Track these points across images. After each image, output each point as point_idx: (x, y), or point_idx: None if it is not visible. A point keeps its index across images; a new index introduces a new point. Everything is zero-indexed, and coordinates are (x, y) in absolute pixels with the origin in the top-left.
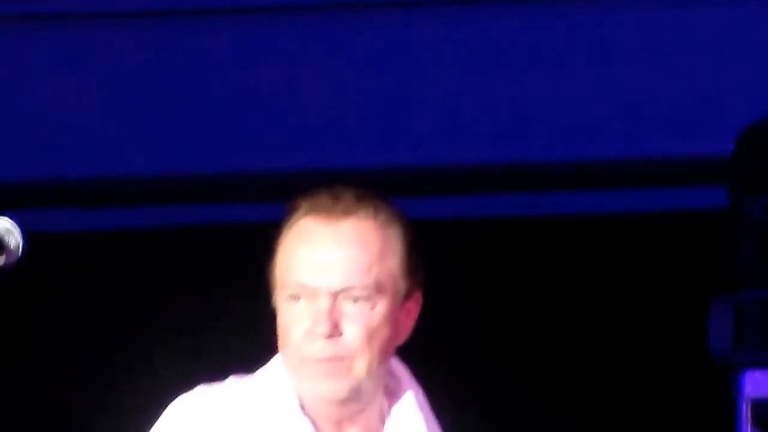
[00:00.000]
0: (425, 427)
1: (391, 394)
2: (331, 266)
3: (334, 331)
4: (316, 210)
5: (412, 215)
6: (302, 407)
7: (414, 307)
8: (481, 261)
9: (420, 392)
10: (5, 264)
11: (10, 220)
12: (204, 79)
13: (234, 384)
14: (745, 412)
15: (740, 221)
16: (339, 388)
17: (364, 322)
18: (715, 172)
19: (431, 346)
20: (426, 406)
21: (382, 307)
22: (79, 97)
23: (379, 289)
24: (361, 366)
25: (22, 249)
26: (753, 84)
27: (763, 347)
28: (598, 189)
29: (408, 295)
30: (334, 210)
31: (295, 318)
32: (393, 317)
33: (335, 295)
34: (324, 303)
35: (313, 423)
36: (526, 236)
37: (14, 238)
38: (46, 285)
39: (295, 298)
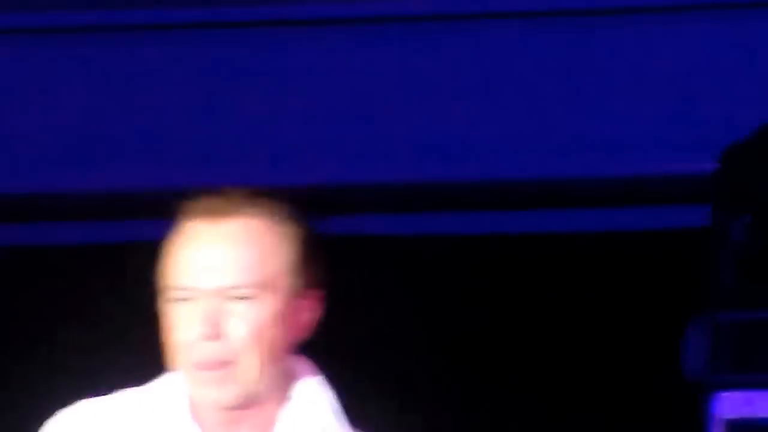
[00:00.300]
0: (322, 425)
1: (288, 394)
2: (215, 265)
3: (216, 333)
4: (202, 211)
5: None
6: (194, 413)
7: (311, 306)
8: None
9: (324, 390)
10: None
11: None
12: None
13: (128, 394)
14: None
15: (720, 241)
16: (226, 392)
17: (250, 321)
18: (696, 191)
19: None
20: (327, 404)
21: (269, 305)
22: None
23: (265, 287)
24: (248, 367)
25: None
26: (734, 102)
27: (737, 369)
28: (578, 207)
29: (301, 294)
30: (219, 210)
31: (180, 321)
32: (283, 316)
33: (219, 295)
34: (208, 304)
35: (203, 427)
36: (509, 254)
37: None
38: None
39: (180, 300)
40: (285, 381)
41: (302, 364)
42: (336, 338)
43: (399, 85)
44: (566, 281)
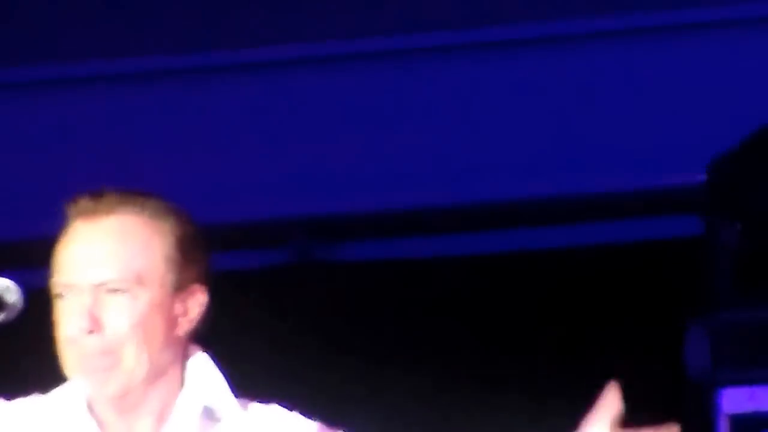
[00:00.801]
0: (217, 408)
1: (183, 381)
2: (91, 261)
3: (96, 326)
4: (79, 211)
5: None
6: (89, 408)
7: (194, 299)
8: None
9: (217, 375)
10: (4, 320)
11: (8, 279)
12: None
13: (31, 399)
14: (725, 428)
15: (715, 247)
16: (111, 383)
17: (127, 314)
18: (689, 201)
19: None
20: (221, 388)
21: (146, 299)
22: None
23: (140, 281)
24: (130, 357)
25: (21, 305)
26: (723, 113)
27: (737, 365)
28: (577, 222)
29: (181, 287)
30: (96, 209)
31: (63, 316)
32: (163, 309)
33: (96, 290)
34: (86, 298)
35: (99, 421)
36: (511, 270)
37: (13, 295)
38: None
39: (62, 296)
40: (178, 369)
41: (196, 352)
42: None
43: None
44: (571, 291)
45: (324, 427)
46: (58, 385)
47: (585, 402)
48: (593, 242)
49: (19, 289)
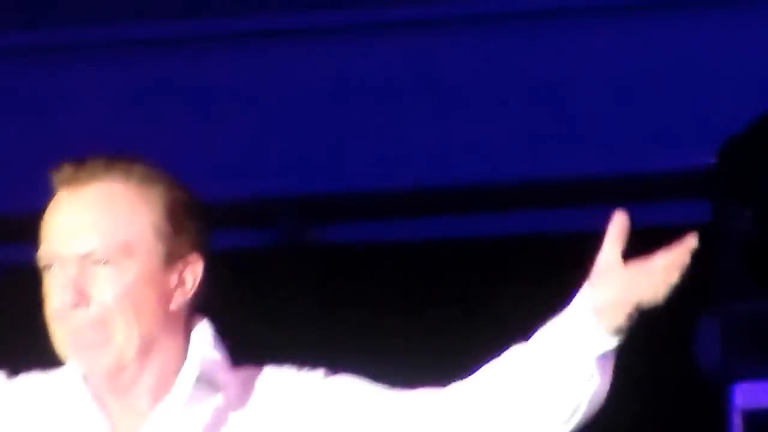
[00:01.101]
0: (218, 380)
1: (184, 353)
2: (75, 232)
3: (81, 299)
4: (63, 180)
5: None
6: (85, 379)
7: (190, 269)
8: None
9: (218, 346)
10: None
11: None
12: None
13: (31, 375)
14: (738, 424)
15: (724, 234)
16: (102, 359)
17: (114, 286)
18: (698, 186)
19: None
20: (221, 360)
21: (134, 270)
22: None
23: (128, 251)
24: (119, 333)
25: None
26: (733, 96)
27: (751, 359)
28: (582, 205)
29: (174, 257)
30: (79, 177)
31: (49, 289)
32: (154, 281)
33: (82, 261)
34: (71, 271)
35: (95, 395)
36: (518, 253)
37: None
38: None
39: (48, 268)
40: (176, 343)
41: (198, 323)
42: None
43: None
44: (573, 277)
45: (328, 372)
46: (49, 365)
47: None
48: (596, 227)
49: None
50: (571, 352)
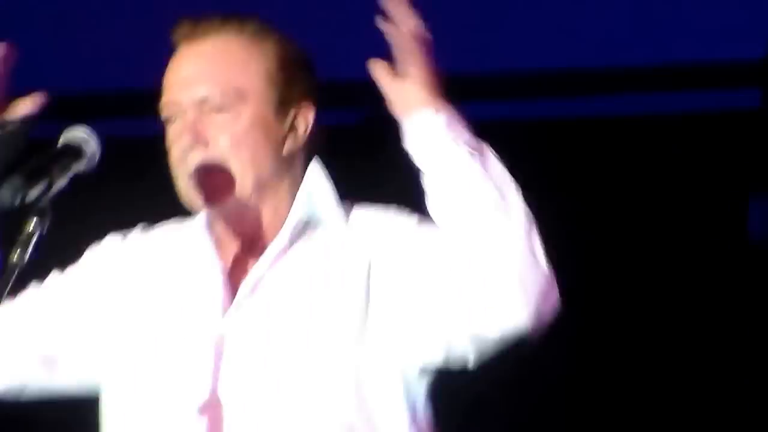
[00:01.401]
0: (310, 220)
1: (287, 201)
2: (192, 80)
3: (200, 139)
4: (181, 35)
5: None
6: (209, 225)
7: (302, 115)
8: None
9: (329, 186)
10: (85, 169)
11: (86, 129)
12: None
13: (165, 225)
14: None
15: None
16: (219, 195)
17: (229, 129)
18: (751, 75)
19: None
20: (331, 198)
21: (248, 115)
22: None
23: (241, 97)
24: (235, 172)
25: (98, 154)
26: None
27: None
28: (634, 92)
29: (286, 104)
30: (195, 32)
31: (171, 138)
32: (267, 125)
33: (199, 107)
34: (189, 116)
35: (216, 240)
36: (572, 137)
37: (91, 144)
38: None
39: (170, 119)
40: (288, 185)
41: (312, 166)
42: None
43: None
44: (635, 162)
45: (422, 219)
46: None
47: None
48: (651, 112)
49: (97, 139)
50: (428, 145)
